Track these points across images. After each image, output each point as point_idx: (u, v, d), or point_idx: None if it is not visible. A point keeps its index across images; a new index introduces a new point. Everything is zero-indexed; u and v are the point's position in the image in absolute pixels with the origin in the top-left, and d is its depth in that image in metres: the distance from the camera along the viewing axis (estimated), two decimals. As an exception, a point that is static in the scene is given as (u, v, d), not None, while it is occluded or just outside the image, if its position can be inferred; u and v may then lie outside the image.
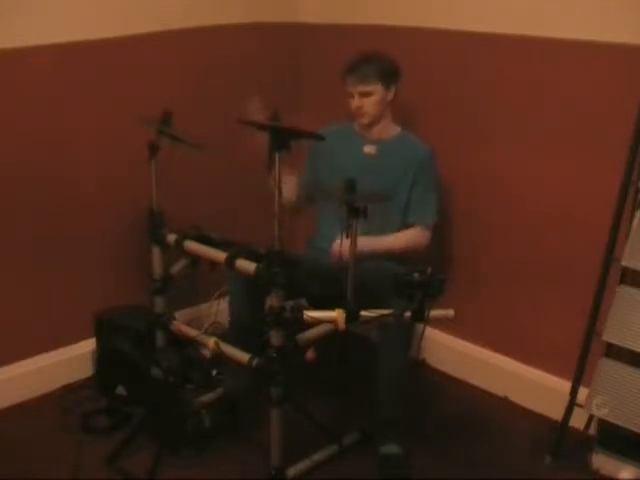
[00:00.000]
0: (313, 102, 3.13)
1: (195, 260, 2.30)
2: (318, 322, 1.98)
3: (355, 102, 2.44)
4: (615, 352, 2.19)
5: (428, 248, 2.49)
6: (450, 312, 1.94)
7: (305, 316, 1.92)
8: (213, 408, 2.39)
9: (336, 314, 1.87)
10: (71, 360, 2.73)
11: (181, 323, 2.41)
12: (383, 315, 1.90)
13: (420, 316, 1.87)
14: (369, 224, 1.88)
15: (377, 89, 2.42)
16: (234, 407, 2.45)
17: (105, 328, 2.67)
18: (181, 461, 2.27)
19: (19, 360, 2.61)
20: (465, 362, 2.84)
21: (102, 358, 2.68)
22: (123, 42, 2.57)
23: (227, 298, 2.52)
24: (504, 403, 2.69)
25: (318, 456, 2.25)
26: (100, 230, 2.70)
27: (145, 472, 2.17)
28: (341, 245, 1.93)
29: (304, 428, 2.31)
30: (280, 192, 1.89)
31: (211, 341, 2.22)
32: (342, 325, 1.87)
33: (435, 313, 1.90)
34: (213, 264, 2.18)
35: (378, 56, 2.44)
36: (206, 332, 2.47)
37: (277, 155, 1.86)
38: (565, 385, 2.35)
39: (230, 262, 2.06)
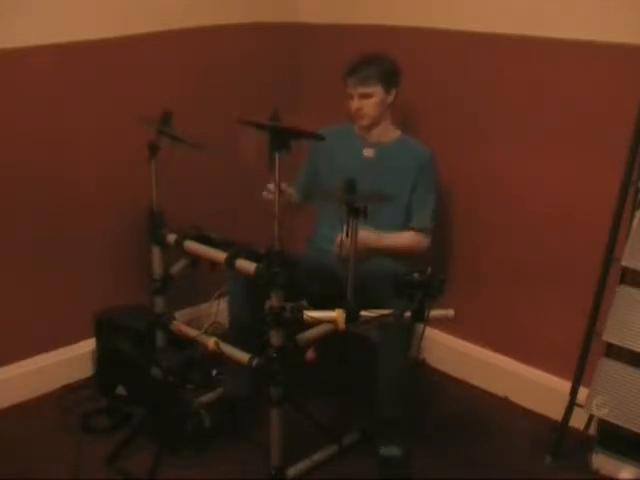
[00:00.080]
0: (313, 102, 3.13)
1: (195, 260, 2.30)
2: (318, 322, 1.98)
3: (355, 104, 2.44)
4: (615, 352, 2.19)
5: (428, 248, 2.49)
6: (450, 312, 1.94)
7: (305, 316, 1.92)
8: (213, 408, 2.39)
9: (336, 314, 1.87)
10: (71, 360, 2.73)
11: (181, 323, 2.41)
12: (383, 315, 1.90)
13: (420, 316, 1.87)
14: (370, 225, 1.88)
15: (377, 91, 2.42)
16: (234, 407, 2.45)
17: (105, 328, 2.66)
18: (181, 461, 2.27)
19: (19, 360, 2.61)
20: (465, 362, 2.84)
21: (102, 358, 2.68)
22: (123, 42, 2.57)
23: (227, 298, 2.52)
24: (504, 403, 2.69)
25: (318, 456, 2.25)
26: (100, 230, 2.70)
27: (145, 472, 2.17)
28: (343, 239, 1.92)
29: (304, 428, 2.31)
30: (280, 192, 1.89)
31: (211, 341, 2.21)
32: (342, 325, 1.87)
33: (435, 313, 1.89)
34: (213, 264, 2.18)
35: (379, 58, 2.43)
36: (206, 332, 2.47)
37: (277, 155, 1.85)
38: (565, 385, 2.35)
39: (230, 262, 2.05)
